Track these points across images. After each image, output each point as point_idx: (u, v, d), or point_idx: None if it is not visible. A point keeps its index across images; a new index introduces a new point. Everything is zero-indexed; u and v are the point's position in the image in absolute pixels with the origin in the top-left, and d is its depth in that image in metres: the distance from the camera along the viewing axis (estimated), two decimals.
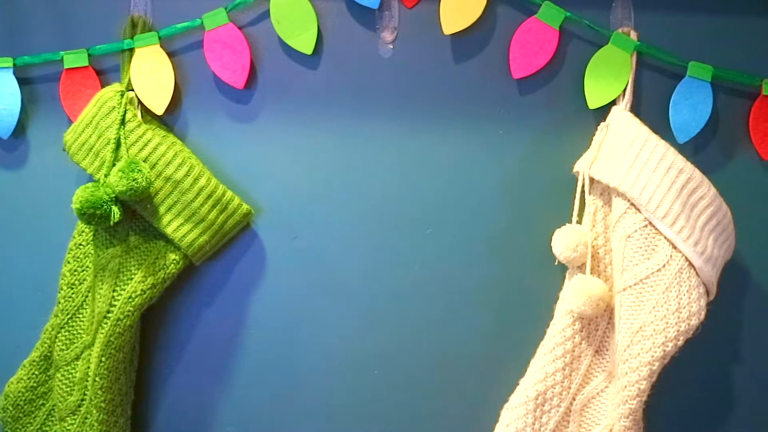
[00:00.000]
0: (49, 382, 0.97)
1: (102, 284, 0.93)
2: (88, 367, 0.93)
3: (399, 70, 0.97)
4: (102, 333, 0.92)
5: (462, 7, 0.93)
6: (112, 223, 0.89)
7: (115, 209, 0.89)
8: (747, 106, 0.94)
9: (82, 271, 0.95)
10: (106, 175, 0.90)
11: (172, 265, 0.94)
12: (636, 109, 0.93)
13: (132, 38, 0.95)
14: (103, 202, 0.88)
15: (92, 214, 0.88)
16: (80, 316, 0.95)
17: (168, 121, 0.99)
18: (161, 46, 0.96)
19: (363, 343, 0.99)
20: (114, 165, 0.90)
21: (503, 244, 0.97)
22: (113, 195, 0.89)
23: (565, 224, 0.91)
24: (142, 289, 0.92)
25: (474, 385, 0.97)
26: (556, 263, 0.92)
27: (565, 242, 0.89)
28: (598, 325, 0.91)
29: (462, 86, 0.96)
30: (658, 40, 0.93)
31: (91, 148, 0.92)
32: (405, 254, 0.98)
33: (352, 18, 0.96)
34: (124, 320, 0.92)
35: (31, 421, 0.97)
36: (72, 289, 0.95)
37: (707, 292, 0.87)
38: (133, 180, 0.88)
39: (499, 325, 0.97)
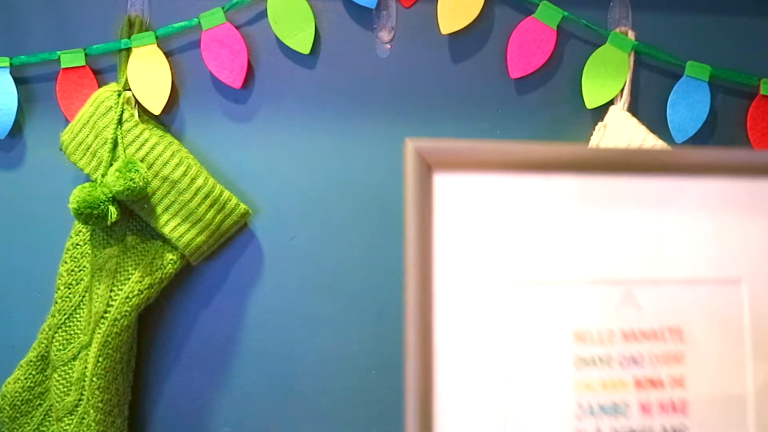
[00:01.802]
0: (46, 382, 0.97)
1: (99, 284, 0.93)
2: (86, 367, 0.93)
3: (396, 70, 0.97)
4: (99, 333, 0.92)
5: (459, 6, 0.93)
6: (109, 223, 0.89)
7: (112, 209, 0.89)
8: (745, 106, 0.94)
9: (79, 271, 0.95)
10: (103, 175, 0.90)
11: (170, 265, 0.94)
12: (634, 109, 0.93)
13: (129, 38, 0.95)
14: (100, 202, 0.88)
15: (89, 214, 0.88)
16: (77, 316, 0.95)
17: (165, 120, 0.98)
18: (158, 46, 0.95)
19: (361, 343, 0.99)
20: (111, 165, 0.90)
21: None
22: (110, 195, 0.89)
23: None
24: (139, 289, 0.92)
25: None
26: None
27: None
28: None
29: (459, 86, 0.96)
30: (656, 40, 0.93)
31: (88, 148, 0.92)
32: (403, 254, 0.98)
33: (349, 17, 0.96)
34: (122, 320, 0.92)
35: (28, 421, 0.97)
36: (69, 289, 0.95)
37: None
38: (131, 180, 0.88)
39: None
